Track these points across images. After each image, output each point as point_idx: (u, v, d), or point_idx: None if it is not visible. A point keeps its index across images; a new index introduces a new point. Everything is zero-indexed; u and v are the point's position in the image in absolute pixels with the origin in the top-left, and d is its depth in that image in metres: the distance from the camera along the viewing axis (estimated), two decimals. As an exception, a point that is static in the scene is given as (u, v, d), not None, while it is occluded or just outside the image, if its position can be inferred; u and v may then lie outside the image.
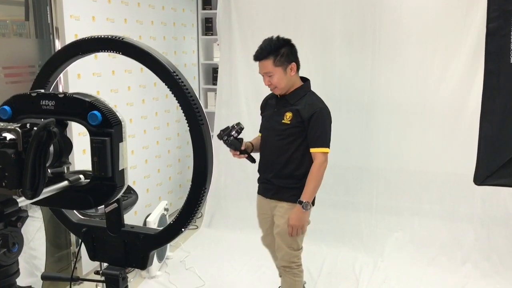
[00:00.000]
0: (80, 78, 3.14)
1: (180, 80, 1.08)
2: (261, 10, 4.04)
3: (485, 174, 1.62)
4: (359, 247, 3.82)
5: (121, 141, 0.98)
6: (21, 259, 1.01)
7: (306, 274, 3.40)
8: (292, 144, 2.51)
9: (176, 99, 1.09)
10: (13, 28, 3.22)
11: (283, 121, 2.51)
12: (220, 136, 2.57)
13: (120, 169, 0.98)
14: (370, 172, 3.89)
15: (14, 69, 3.00)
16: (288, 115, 2.50)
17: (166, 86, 1.09)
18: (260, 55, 2.48)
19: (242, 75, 4.16)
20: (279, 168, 2.55)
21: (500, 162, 1.55)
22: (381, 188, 3.87)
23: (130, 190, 2.99)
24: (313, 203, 2.58)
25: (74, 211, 1.33)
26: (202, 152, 1.09)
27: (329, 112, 2.53)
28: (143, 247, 1.19)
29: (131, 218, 3.68)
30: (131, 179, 3.64)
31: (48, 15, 3.04)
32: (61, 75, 3.23)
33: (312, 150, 2.48)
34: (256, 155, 2.71)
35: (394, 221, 3.89)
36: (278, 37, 2.50)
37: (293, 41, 2.56)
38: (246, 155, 2.62)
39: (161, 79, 1.10)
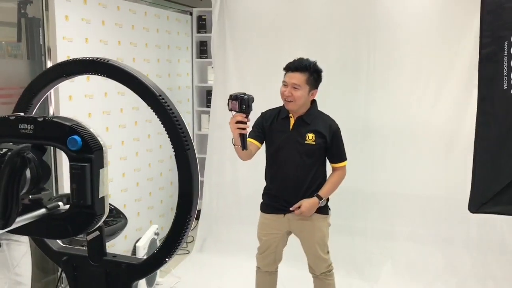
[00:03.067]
0: (72, 100, 3.09)
1: (166, 104, 1.04)
2: (256, 34, 4.05)
3: (480, 202, 1.59)
4: (354, 273, 3.74)
5: (102, 167, 0.94)
6: (6, 285, 0.96)
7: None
8: (317, 162, 2.68)
9: (161, 124, 1.06)
10: (8, 49, 3.21)
11: (306, 142, 2.63)
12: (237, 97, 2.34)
13: (100, 196, 0.94)
14: (364, 197, 3.84)
15: (5, 90, 2.97)
16: (311, 136, 2.63)
17: (152, 110, 1.05)
18: (298, 66, 2.56)
19: (236, 98, 4.14)
20: (307, 186, 2.67)
21: (495, 189, 1.51)
22: (375, 213, 3.81)
23: (119, 214, 2.93)
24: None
25: (56, 238, 1.28)
26: (188, 178, 1.05)
27: None
28: (125, 277, 1.15)
29: (121, 242, 3.61)
30: (121, 202, 3.57)
31: (41, 36, 3.02)
32: (52, 96, 3.15)
33: (336, 165, 2.72)
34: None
35: (389, 246, 3.83)
36: (315, 62, 2.61)
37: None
38: (245, 131, 2.39)
39: (146, 103, 1.06)
